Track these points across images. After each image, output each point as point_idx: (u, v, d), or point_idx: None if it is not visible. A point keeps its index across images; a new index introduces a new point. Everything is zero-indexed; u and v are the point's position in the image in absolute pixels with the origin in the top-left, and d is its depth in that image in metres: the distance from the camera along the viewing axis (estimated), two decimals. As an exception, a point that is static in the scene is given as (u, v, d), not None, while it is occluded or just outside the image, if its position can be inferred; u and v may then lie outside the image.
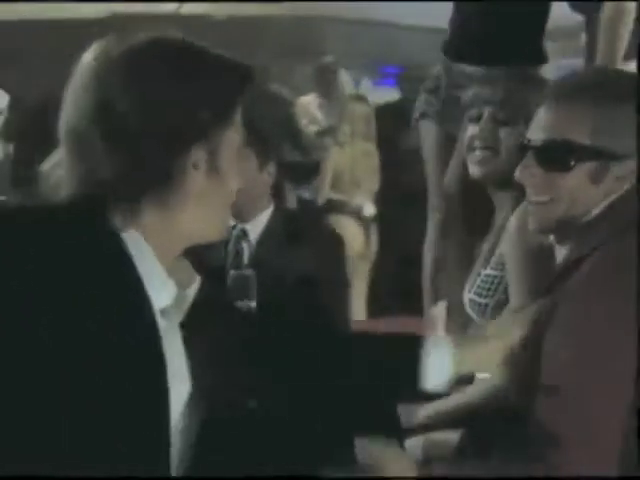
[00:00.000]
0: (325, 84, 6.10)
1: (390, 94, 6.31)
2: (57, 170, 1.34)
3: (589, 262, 1.57)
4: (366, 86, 6.05)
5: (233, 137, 1.36)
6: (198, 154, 1.31)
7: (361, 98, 6.23)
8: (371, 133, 6.19)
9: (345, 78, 6.10)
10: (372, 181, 6.12)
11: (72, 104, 1.31)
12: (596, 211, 1.61)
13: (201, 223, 1.36)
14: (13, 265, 1.20)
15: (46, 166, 1.35)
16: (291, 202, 4.95)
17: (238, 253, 2.39)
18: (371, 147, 6.22)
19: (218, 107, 1.31)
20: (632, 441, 1.52)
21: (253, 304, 1.61)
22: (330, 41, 8.24)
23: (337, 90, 6.21)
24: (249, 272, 2.00)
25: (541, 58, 3.30)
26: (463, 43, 3.29)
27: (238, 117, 1.37)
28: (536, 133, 1.65)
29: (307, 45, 7.86)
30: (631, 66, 3.17)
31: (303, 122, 5.69)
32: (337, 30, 8.36)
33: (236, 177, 1.38)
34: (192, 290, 1.40)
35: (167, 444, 1.28)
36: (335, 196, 5.88)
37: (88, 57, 1.33)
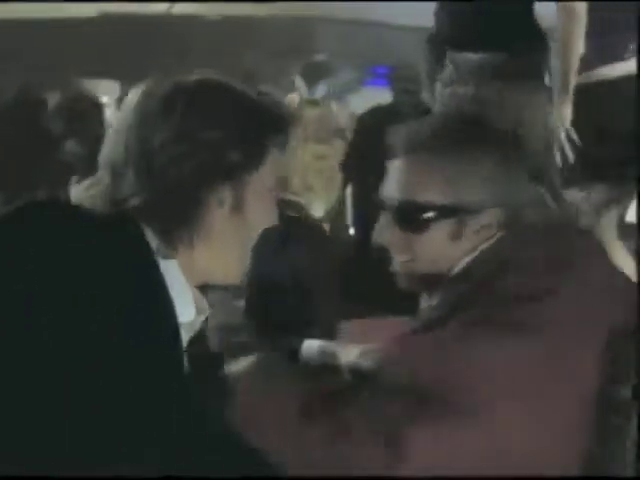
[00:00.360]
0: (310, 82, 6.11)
1: (381, 95, 6.32)
2: (90, 192, 1.36)
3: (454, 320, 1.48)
4: (321, 92, 6.04)
5: (262, 179, 1.36)
6: (224, 192, 1.32)
7: (313, 102, 6.21)
8: (325, 136, 6.16)
9: (299, 84, 6.11)
10: (327, 184, 6.10)
11: (114, 134, 1.34)
12: (460, 266, 1.54)
13: (220, 262, 1.36)
14: (44, 264, 1.20)
15: (78, 190, 1.37)
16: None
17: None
18: (325, 150, 6.17)
19: (249, 150, 1.32)
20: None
21: (241, 303, 1.61)
22: (322, 41, 8.26)
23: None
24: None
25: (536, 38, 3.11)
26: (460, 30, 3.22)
27: (270, 160, 1.37)
28: (389, 191, 1.57)
29: (299, 45, 7.87)
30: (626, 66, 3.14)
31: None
32: (329, 30, 8.38)
33: (261, 218, 1.38)
34: (199, 320, 1.40)
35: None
36: (287, 197, 5.84)
37: (135, 92, 1.35)
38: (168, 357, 1.25)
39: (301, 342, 1.77)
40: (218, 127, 1.30)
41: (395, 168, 1.56)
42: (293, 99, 5.89)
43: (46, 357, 1.16)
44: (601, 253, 1.62)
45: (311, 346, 1.76)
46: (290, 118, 1.39)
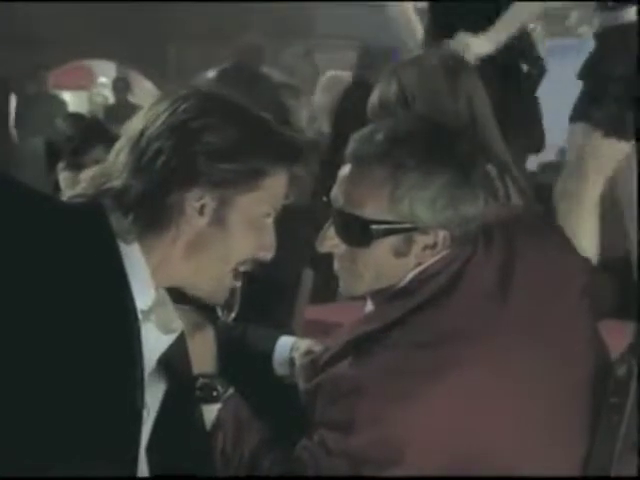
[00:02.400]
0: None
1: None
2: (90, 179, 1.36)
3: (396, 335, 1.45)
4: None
5: (254, 204, 1.34)
6: (206, 201, 1.31)
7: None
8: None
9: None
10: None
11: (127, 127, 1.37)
12: (403, 282, 1.48)
13: (191, 272, 1.35)
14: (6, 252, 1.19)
15: (86, 174, 1.38)
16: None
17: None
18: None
19: (241, 168, 1.31)
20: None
21: (233, 315, 1.61)
22: (322, 23, 8.23)
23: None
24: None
25: None
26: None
27: (268, 187, 1.34)
28: (335, 199, 1.50)
29: (299, 26, 7.85)
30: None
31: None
32: (329, 12, 8.34)
33: (247, 243, 1.35)
34: (170, 338, 1.39)
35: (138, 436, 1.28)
36: None
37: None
38: (123, 345, 1.23)
39: (276, 339, 1.77)
40: (213, 135, 1.29)
41: (344, 175, 1.51)
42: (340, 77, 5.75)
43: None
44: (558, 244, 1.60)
45: (285, 343, 1.75)
46: (301, 152, 1.37)
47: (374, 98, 2.00)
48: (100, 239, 1.26)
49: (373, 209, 1.45)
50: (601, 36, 3.13)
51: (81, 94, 11.59)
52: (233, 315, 1.65)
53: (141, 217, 1.28)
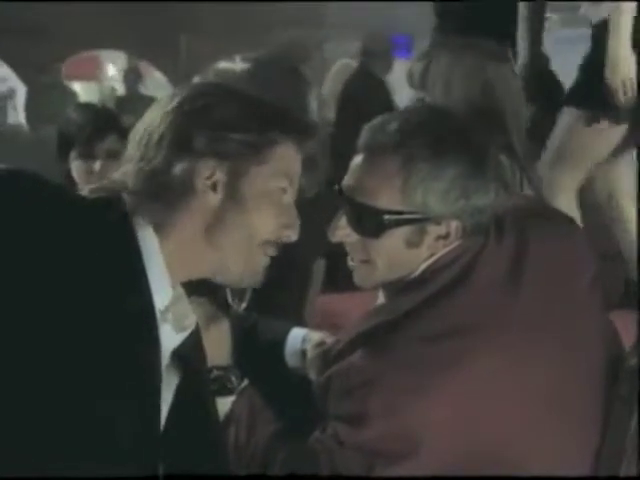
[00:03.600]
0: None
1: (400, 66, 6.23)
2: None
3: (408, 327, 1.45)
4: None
5: (265, 176, 1.33)
6: (217, 175, 1.30)
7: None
8: None
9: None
10: None
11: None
12: (416, 272, 1.48)
13: (216, 255, 1.33)
14: (23, 244, 1.19)
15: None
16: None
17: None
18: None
19: (246, 136, 1.31)
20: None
21: (244, 304, 1.61)
22: (331, 13, 8.21)
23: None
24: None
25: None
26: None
27: (277, 158, 1.34)
28: (347, 189, 1.50)
29: (308, 17, 7.82)
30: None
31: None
32: (339, 2, 8.31)
33: (265, 218, 1.34)
34: (183, 335, 1.38)
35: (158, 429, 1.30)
36: None
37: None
38: (142, 347, 1.23)
39: (288, 330, 1.77)
40: (211, 111, 1.30)
41: (356, 165, 1.50)
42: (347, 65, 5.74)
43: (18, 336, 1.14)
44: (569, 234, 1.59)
45: (297, 335, 1.76)
46: (308, 126, 1.37)
47: (411, 71, 1.99)
48: (121, 235, 1.26)
49: (385, 199, 1.45)
50: (599, 27, 3.11)
51: (91, 85, 11.61)
52: (244, 305, 1.66)
53: (153, 198, 1.28)
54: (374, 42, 5.55)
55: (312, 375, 1.63)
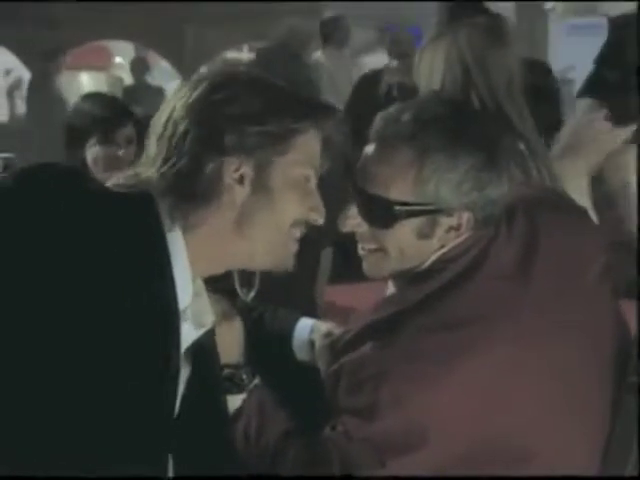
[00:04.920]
0: (334, 37, 6.05)
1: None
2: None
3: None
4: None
5: (291, 165, 1.34)
6: (243, 169, 1.31)
7: None
8: None
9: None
10: None
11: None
12: (427, 263, 1.48)
13: (246, 245, 1.35)
14: (57, 237, 1.20)
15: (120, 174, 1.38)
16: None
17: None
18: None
19: (269, 127, 1.31)
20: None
21: (252, 294, 1.61)
22: (336, 3, 8.17)
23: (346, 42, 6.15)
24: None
25: None
26: None
27: (300, 147, 1.34)
28: (358, 179, 1.49)
29: (314, 6, 7.79)
30: None
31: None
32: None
33: (293, 206, 1.35)
34: (200, 332, 1.40)
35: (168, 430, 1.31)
36: None
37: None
38: (162, 347, 1.24)
39: (296, 321, 1.77)
40: (235, 104, 1.29)
41: (368, 155, 1.49)
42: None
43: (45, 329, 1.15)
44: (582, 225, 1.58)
45: (305, 325, 1.75)
46: (324, 111, 1.37)
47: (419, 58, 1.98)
48: (151, 235, 1.26)
49: (398, 190, 1.44)
50: (616, 20, 3.09)
51: (99, 75, 11.61)
52: (252, 294, 1.66)
53: (181, 197, 1.29)
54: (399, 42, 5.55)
55: (321, 366, 1.63)
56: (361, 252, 1.53)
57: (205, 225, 1.30)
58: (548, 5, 8.59)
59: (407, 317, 1.43)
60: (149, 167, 1.31)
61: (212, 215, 1.30)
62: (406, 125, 1.44)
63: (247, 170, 1.30)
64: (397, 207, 1.44)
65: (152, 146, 1.32)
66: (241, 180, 1.30)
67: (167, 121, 1.31)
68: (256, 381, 1.53)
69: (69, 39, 9.24)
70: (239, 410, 1.49)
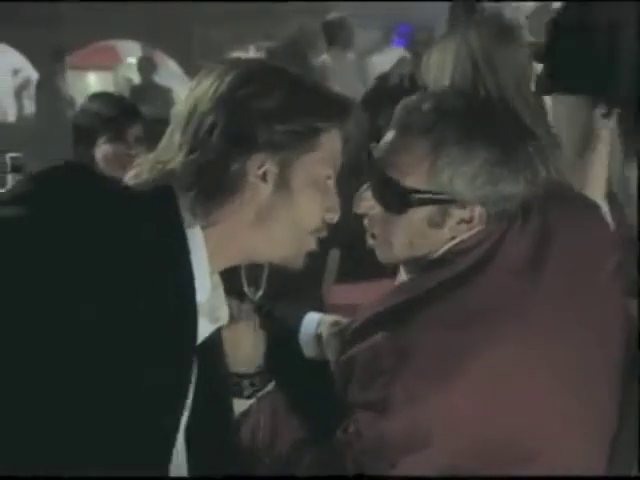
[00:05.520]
0: (337, 41, 6.05)
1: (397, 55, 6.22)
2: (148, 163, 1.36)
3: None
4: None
5: (314, 164, 1.35)
6: (267, 167, 1.32)
7: None
8: None
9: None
10: None
11: (180, 103, 1.38)
12: (438, 253, 1.49)
13: (264, 240, 1.35)
14: (77, 242, 1.20)
15: (142, 159, 1.36)
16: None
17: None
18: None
19: (296, 128, 1.32)
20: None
21: (260, 293, 1.62)
22: (346, 2, 8.17)
23: (351, 46, 6.15)
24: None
25: None
26: None
27: (324, 146, 1.35)
28: (378, 158, 1.50)
29: (322, 6, 7.79)
30: None
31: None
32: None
33: (313, 204, 1.36)
34: (213, 327, 1.39)
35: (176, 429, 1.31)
36: None
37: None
38: (179, 345, 1.25)
39: (303, 316, 1.77)
40: (264, 100, 1.29)
41: (388, 141, 1.50)
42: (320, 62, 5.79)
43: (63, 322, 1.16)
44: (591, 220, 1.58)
45: (312, 320, 1.75)
46: (347, 109, 1.37)
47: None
48: (172, 232, 1.27)
49: (413, 178, 1.45)
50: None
51: (106, 75, 11.63)
52: (260, 293, 1.66)
53: (204, 192, 1.28)
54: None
55: (330, 355, 1.63)
56: (370, 241, 1.54)
57: (225, 221, 1.30)
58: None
59: (418, 306, 1.43)
60: (174, 156, 1.30)
61: (233, 211, 1.30)
62: (426, 115, 1.46)
63: (271, 167, 1.30)
64: (412, 194, 1.45)
65: (176, 136, 1.31)
66: (264, 177, 1.30)
67: (192, 112, 1.30)
68: (270, 387, 1.52)
69: (76, 39, 9.27)
70: (247, 416, 1.49)
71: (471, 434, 1.37)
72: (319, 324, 1.74)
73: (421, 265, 1.50)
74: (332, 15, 6.12)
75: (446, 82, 1.92)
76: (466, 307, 1.41)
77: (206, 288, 1.31)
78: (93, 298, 1.17)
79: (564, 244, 1.48)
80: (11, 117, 10.21)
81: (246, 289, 1.67)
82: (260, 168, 1.30)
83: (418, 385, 1.37)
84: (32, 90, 9.58)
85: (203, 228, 1.29)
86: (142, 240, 1.22)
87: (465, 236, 1.46)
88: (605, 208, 3.01)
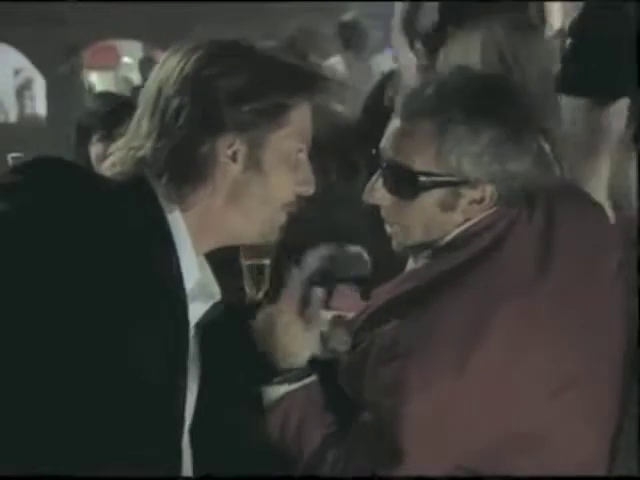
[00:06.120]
0: (352, 42, 6.04)
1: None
2: (119, 152, 1.36)
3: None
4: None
5: (285, 140, 1.34)
6: (237, 146, 1.31)
7: None
8: None
9: None
10: None
11: (144, 89, 1.36)
12: (450, 236, 1.49)
13: (240, 220, 1.35)
14: (58, 233, 1.20)
15: (112, 148, 1.37)
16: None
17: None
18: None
19: (264, 107, 1.31)
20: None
21: (267, 261, 1.62)
22: (353, 3, 8.17)
23: (365, 47, 6.14)
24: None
25: None
26: None
27: (294, 121, 1.34)
28: (384, 150, 1.51)
29: (329, 6, 7.79)
30: None
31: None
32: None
33: (286, 180, 1.35)
34: (207, 306, 1.38)
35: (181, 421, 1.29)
36: None
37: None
38: (171, 324, 1.23)
39: None
40: (230, 79, 1.28)
41: (394, 129, 1.50)
42: (332, 64, 5.77)
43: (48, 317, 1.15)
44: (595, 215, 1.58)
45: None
46: (317, 83, 1.36)
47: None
48: (151, 219, 1.26)
49: (421, 162, 1.45)
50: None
51: (107, 74, 11.64)
52: (261, 294, 1.66)
53: (176, 177, 1.28)
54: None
55: (340, 347, 1.61)
56: (388, 229, 1.54)
57: (201, 203, 1.30)
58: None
59: (432, 291, 1.43)
60: (144, 142, 1.29)
61: (207, 193, 1.29)
62: (428, 99, 1.46)
63: (241, 147, 1.29)
64: (421, 178, 1.45)
65: (144, 122, 1.30)
66: (234, 157, 1.29)
67: (159, 94, 1.29)
68: (309, 379, 1.50)
69: (78, 39, 9.27)
70: (277, 406, 1.47)
71: (484, 424, 1.36)
72: None
73: (434, 250, 1.50)
74: (347, 16, 6.10)
75: None
76: (475, 292, 1.41)
77: (193, 271, 1.30)
78: (80, 293, 1.16)
79: (567, 239, 1.48)
80: (12, 117, 10.23)
81: (248, 289, 1.67)
82: (230, 148, 1.29)
83: (433, 370, 1.36)
84: (34, 90, 9.60)
85: (182, 212, 1.29)
86: (123, 231, 1.22)
87: (476, 220, 1.47)
88: (608, 208, 3.01)
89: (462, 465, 1.37)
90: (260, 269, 1.50)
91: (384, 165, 1.49)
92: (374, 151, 1.53)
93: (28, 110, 10.02)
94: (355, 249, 1.81)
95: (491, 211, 1.46)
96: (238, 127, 1.27)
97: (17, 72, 10.59)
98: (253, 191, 1.31)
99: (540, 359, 1.39)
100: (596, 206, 1.62)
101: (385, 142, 1.50)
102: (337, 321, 1.66)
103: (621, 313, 1.51)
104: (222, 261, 1.43)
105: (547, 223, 1.48)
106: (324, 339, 1.67)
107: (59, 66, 8.44)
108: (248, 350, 1.48)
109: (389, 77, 5.19)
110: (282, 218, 1.35)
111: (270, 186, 1.32)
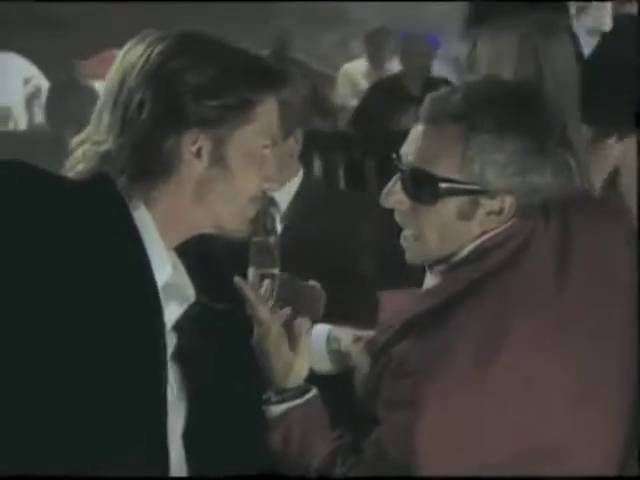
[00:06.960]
0: (374, 51, 6.04)
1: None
2: (82, 146, 1.35)
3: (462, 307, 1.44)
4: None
5: (251, 137, 1.34)
6: (201, 142, 1.30)
7: None
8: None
9: None
10: None
11: (105, 85, 1.35)
12: (467, 250, 1.49)
13: (208, 213, 1.35)
14: (24, 234, 1.19)
15: (75, 141, 1.36)
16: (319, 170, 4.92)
17: (266, 221, 2.35)
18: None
19: (228, 103, 1.30)
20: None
21: (275, 271, 1.62)
22: (356, 9, 8.18)
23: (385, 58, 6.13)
24: (273, 240, 2.00)
25: None
26: None
27: (260, 117, 1.34)
28: (405, 155, 1.52)
29: (332, 12, 7.80)
30: None
31: (346, 92, 5.63)
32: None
33: (252, 176, 1.35)
34: (186, 305, 1.39)
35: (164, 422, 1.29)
36: None
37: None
38: (146, 321, 1.24)
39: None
40: (194, 74, 1.27)
41: (417, 133, 1.50)
42: (353, 68, 5.77)
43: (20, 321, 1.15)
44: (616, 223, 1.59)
45: (321, 332, 1.74)
46: (284, 76, 1.36)
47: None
48: (117, 217, 1.26)
49: (443, 167, 1.45)
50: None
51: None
52: (270, 303, 1.66)
53: (139, 173, 1.27)
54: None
55: (360, 367, 1.62)
56: (403, 242, 1.53)
57: (166, 199, 1.30)
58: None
59: (448, 307, 1.42)
60: (106, 137, 1.28)
61: (171, 190, 1.29)
62: (456, 104, 1.46)
63: (205, 143, 1.29)
64: (441, 184, 1.44)
65: (105, 116, 1.29)
66: (199, 153, 1.29)
67: (121, 86, 1.28)
68: (310, 394, 1.52)
69: (84, 47, 9.29)
70: (278, 421, 1.48)
71: (503, 438, 1.36)
72: (329, 340, 1.72)
73: (450, 264, 1.49)
74: (374, 26, 6.08)
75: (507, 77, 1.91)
76: (491, 307, 1.41)
77: (166, 268, 1.30)
78: (48, 292, 1.15)
79: (584, 249, 1.48)
80: (22, 125, 10.24)
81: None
82: (194, 145, 1.28)
83: (452, 384, 1.36)
84: (43, 99, 9.61)
85: (147, 208, 1.28)
86: (89, 230, 1.21)
87: (493, 233, 1.46)
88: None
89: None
90: (264, 276, 1.50)
91: (404, 169, 1.48)
92: (394, 155, 1.52)
93: (37, 119, 10.03)
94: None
95: (508, 225, 1.45)
96: (202, 123, 1.27)
97: (27, 81, 10.61)
98: (218, 187, 1.31)
99: (559, 370, 1.39)
100: (611, 214, 1.62)
101: (406, 147, 1.50)
102: (356, 341, 1.66)
103: (634, 324, 1.51)
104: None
105: (563, 233, 1.48)
106: (345, 358, 1.68)
107: (67, 74, 8.45)
108: (238, 354, 1.49)
109: (378, 85, 5.23)
110: (251, 212, 1.36)
111: (235, 183, 1.32)
